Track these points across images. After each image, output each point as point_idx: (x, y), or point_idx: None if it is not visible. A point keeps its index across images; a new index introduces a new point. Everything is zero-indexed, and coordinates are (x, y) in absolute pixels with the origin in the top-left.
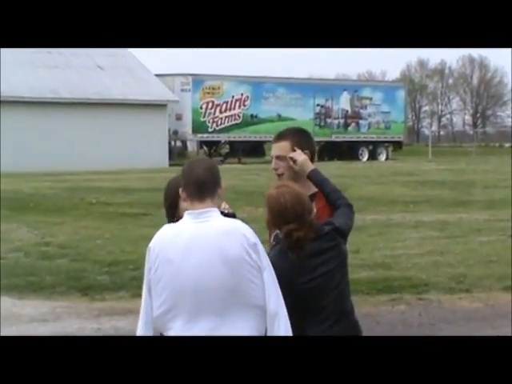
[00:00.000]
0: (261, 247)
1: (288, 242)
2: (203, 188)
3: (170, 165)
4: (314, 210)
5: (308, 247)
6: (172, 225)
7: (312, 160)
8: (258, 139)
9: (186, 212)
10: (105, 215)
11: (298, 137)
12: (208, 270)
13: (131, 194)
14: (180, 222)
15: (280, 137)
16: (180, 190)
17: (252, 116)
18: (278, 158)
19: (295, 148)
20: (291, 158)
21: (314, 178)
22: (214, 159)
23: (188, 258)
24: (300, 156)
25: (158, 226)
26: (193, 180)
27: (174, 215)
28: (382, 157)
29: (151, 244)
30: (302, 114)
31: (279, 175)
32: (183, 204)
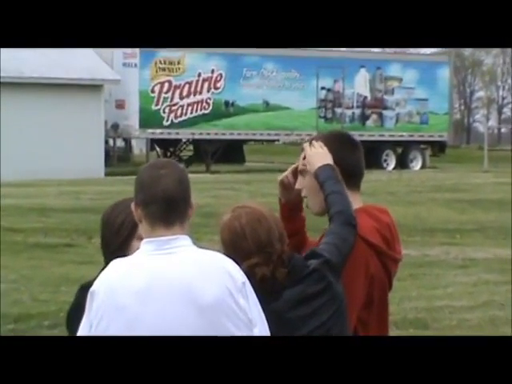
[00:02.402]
0: (250, 289)
1: (252, 283)
2: (173, 208)
3: (107, 174)
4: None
5: (287, 295)
6: (124, 259)
7: (347, 180)
8: (235, 137)
9: (145, 241)
10: (10, 247)
11: (327, 144)
12: (175, 323)
13: (49, 217)
14: (135, 254)
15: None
16: (132, 206)
17: (227, 104)
18: (301, 173)
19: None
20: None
21: (319, 175)
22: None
23: (146, 306)
24: (311, 148)
25: (89, 264)
26: (160, 195)
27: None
28: (416, 164)
29: (94, 287)
30: (300, 102)
31: (305, 197)
32: (136, 244)
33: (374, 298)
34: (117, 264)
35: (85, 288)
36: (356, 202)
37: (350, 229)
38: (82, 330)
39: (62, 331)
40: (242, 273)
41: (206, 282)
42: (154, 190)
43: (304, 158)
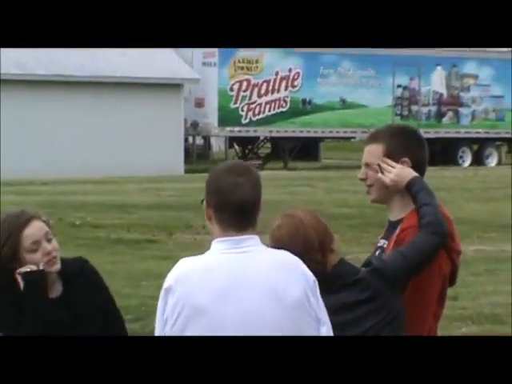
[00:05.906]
0: (318, 288)
1: None
2: (246, 214)
3: (187, 171)
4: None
5: (329, 300)
6: (196, 258)
7: (419, 172)
8: (312, 135)
9: (217, 240)
10: (93, 242)
11: (397, 139)
12: (261, 320)
13: (131, 213)
14: (208, 253)
15: (372, 137)
16: (204, 204)
17: (304, 102)
18: (367, 165)
19: (389, 154)
20: (379, 166)
21: (411, 188)
22: (251, 163)
23: (228, 306)
24: (392, 169)
25: (169, 259)
26: (235, 204)
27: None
28: (492, 161)
29: (170, 282)
30: (377, 99)
31: (368, 186)
32: (31, 257)
33: (444, 294)
34: (191, 262)
35: None
36: None
37: (433, 238)
38: (158, 327)
39: (143, 325)
40: (311, 273)
41: (288, 282)
42: (231, 198)
43: (386, 157)
